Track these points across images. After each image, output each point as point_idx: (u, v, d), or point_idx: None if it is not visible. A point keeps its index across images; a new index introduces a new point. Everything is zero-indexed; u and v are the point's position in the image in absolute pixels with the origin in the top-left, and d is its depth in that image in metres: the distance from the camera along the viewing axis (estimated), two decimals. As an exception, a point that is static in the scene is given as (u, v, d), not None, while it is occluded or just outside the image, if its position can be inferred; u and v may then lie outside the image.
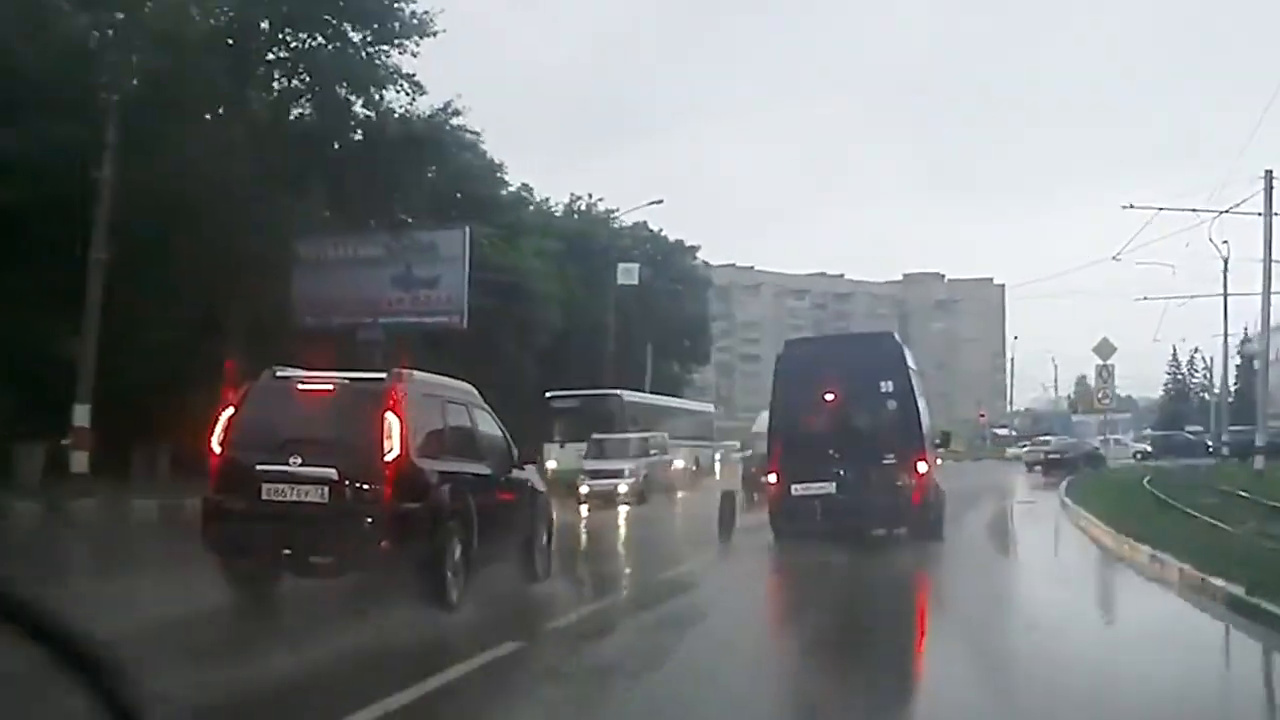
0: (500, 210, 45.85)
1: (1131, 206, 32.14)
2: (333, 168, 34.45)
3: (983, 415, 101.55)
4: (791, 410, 17.62)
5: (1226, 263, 31.26)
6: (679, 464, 37.01)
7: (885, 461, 16.79)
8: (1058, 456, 49.13)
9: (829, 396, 17.26)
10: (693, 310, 64.52)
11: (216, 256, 29.51)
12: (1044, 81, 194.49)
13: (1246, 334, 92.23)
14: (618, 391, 31.09)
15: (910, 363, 18.30)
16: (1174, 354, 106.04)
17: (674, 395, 56.86)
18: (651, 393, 42.98)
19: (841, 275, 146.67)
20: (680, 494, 34.67)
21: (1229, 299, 48.19)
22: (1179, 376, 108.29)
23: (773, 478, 17.44)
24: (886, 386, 17.40)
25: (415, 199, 38.66)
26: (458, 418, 11.62)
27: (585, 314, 50.46)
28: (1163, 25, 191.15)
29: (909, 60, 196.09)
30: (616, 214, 58.78)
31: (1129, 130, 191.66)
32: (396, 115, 34.46)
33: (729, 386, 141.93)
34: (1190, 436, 65.78)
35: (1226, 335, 51.37)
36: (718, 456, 48.97)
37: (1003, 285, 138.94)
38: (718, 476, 42.16)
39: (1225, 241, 30.82)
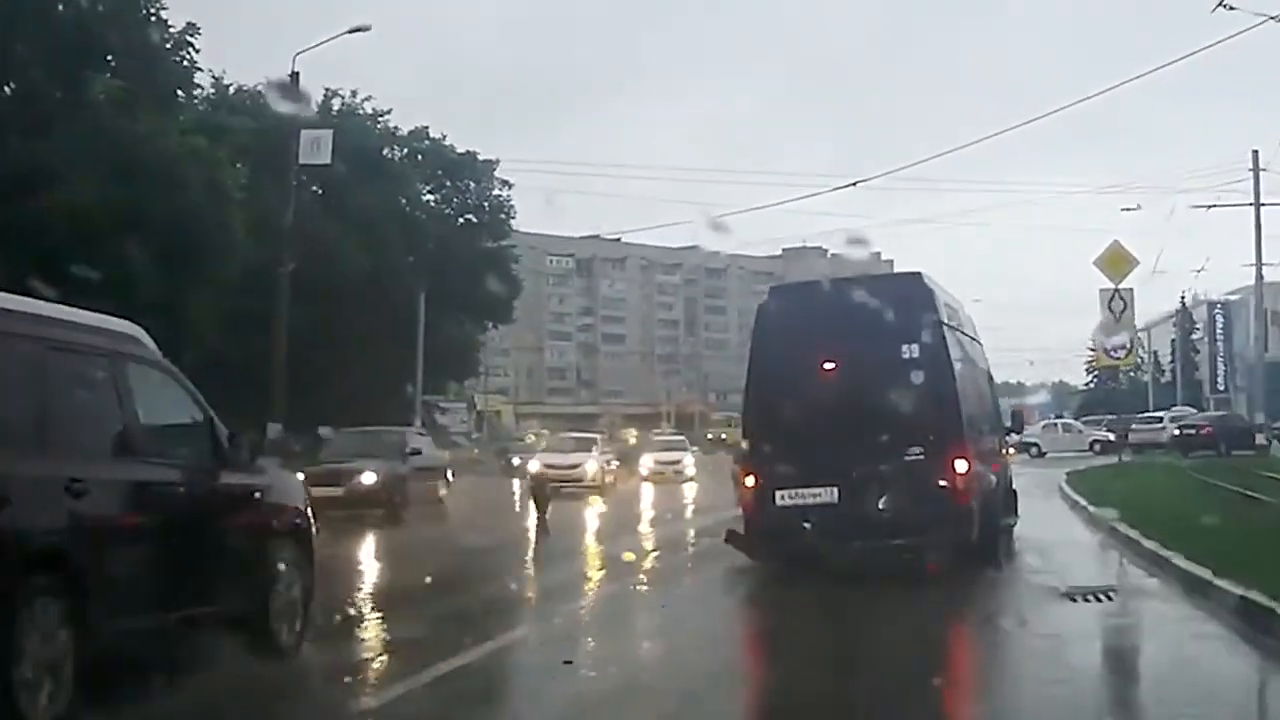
0: (155, 63, 30.14)
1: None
2: None
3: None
4: (776, 387, 13.43)
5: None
6: None
7: (909, 458, 12.72)
8: (1193, 432, 39.95)
9: (828, 366, 13.20)
10: (492, 253, 48.61)
11: None
12: (961, 62, 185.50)
13: (1184, 302, 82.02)
14: None
15: (946, 316, 13.54)
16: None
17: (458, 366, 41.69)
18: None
19: (716, 252, 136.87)
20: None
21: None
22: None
23: (749, 480, 13.38)
24: (910, 351, 12.95)
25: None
26: (74, 380, 6.88)
27: (319, 244, 35.53)
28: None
29: (808, 40, 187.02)
30: (386, 115, 43.60)
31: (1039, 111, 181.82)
32: None
33: (591, 369, 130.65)
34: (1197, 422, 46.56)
35: (1260, 265, 36.78)
36: None
37: (891, 260, 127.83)
38: None
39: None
